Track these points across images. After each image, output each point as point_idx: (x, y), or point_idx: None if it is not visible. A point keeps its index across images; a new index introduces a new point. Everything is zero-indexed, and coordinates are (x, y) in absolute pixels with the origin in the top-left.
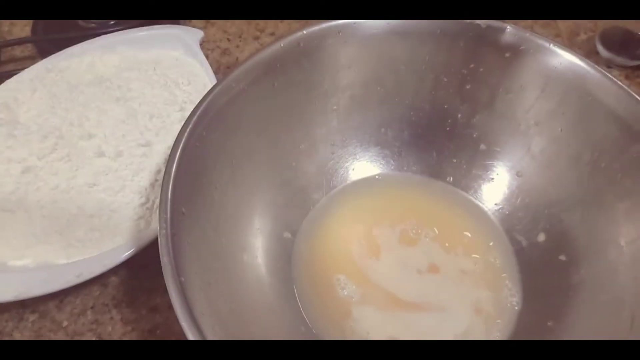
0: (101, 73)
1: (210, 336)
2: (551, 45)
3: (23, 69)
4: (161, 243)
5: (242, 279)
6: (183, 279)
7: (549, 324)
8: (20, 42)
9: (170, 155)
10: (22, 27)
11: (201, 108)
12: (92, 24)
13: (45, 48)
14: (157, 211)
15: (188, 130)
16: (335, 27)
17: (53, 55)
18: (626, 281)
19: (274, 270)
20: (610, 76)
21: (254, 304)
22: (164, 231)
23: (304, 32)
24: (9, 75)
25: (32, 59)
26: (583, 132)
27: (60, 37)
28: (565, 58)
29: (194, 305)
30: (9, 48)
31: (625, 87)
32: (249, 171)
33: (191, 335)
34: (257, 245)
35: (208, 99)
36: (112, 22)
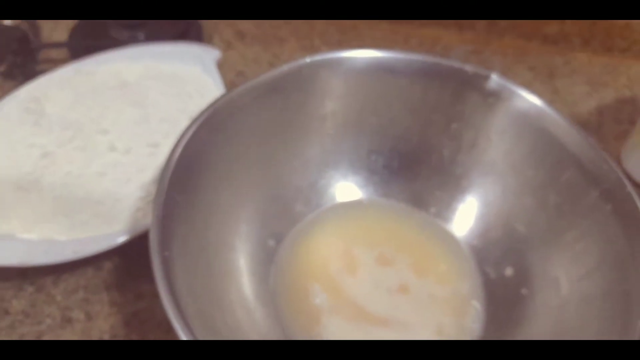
0: (124, 79)
1: (185, 310)
2: (529, 95)
3: (55, 68)
4: (152, 221)
5: (222, 273)
6: (167, 254)
7: None
8: (56, 45)
9: (174, 147)
10: (61, 33)
11: (207, 113)
12: (124, 36)
13: (78, 53)
14: None
15: (193, 129)
16: (336, 59)
17: (83, 60)
18: (571, 313)
19: (254, 272)
20: (574, 125)
21: (231, 297)
22: (157, 212)
23: (307, 60)
24: (43, 72)
25: (64, 61)
26: (551, 177)
27: (92, 44)
28: (539, 108)
29: (174, 281)
30: (47, 50)
31: (586, 136)
32: (243, 179)
33: (168, 304)
34: (241, 247)
35: (214, 107)
36: (142, 37)
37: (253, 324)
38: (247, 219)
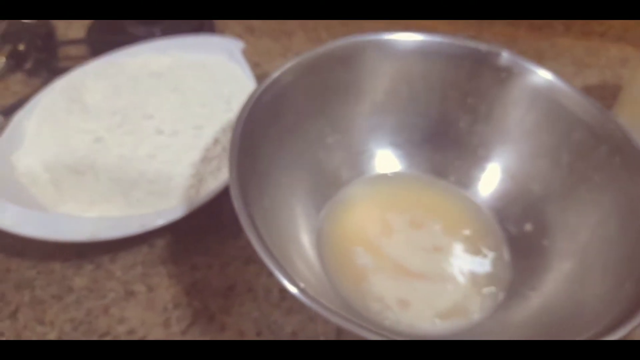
0: (156, 70)
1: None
2: (537, 68)
3: (75, 65)
4: (231, 182)
5: (283, 236)
6: (250, 210)
7: (530, 293)
8: (76, 42)
9: (237, 120)
10: (76, 30)
11: (260, 90)
12: (141, 32)
13: (97, 49)
14: (205, 183)
15: (251, 104)
16: (367, 41)
17: (112, 54)
18: (593, 254)
19: (308, 240)
20: (580, 92)
21: (294, 257)
22: (233, 175)
23: (340, 43)
24: (65, 69)
25: (84, 58)
26: (562, 139)
27: (110, 39)
28: (547, 79)
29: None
30: (66, 47)
31: (593, 101)
32: (289, 154)
33: (263, 252)
34: (293, 216)
35: (265, 84)
36: (158, 33)
37: (315, 279)
38: (294, 194)
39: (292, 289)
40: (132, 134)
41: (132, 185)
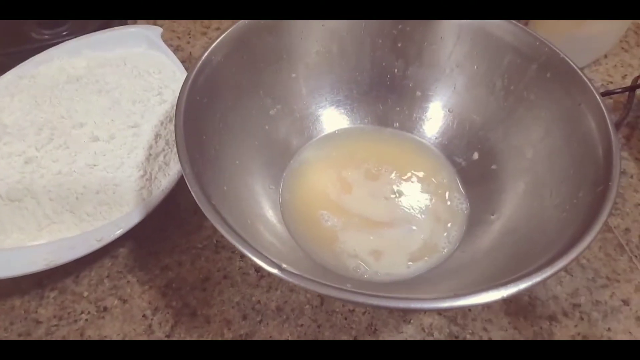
0: (73, 73)
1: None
2: None
3: None
4: (188, 179)
5: (248, 219)
6: (214, 203)
7: (491, 217)
8: None
9: (176, 113)
10: None
11: (192, 76)
12: (46, 35)
13: (4, 63)
14: (156, 181)
15: (186, 94)
16: None
17: (20, 65)
18: (543, 168)
19: (272, 214)
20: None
21: (261, 232)
22: (187, 170)
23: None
24: None
25: None
26: (493, 66)
27: (15, 50)
28: None
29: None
30: None
31: (516, 23)
32: (235, 134)
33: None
34: (254, 195)
35: (196, 69)
36: (64, 32)
37: (290, 252)
38: (248, 173)
39: (273, 271)
40: (65, 147)
41: (78, 200)
